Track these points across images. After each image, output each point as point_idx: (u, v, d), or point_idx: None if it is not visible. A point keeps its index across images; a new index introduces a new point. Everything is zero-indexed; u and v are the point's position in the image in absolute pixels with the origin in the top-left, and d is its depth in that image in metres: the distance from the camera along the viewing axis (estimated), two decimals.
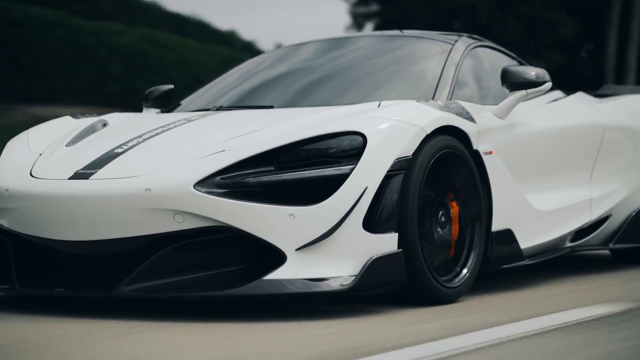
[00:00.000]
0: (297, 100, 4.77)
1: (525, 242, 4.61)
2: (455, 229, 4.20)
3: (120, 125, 4.52)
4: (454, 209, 4.20)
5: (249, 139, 3.86)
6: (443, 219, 4.13)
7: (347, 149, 3.76)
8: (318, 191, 3.66)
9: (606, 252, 5.76)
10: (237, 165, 3.69)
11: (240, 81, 5.22)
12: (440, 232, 4.12)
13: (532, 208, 4.70)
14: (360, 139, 3.77)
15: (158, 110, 5.25)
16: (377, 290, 3.83)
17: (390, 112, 3.97)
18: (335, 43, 5.40)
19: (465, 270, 4.17)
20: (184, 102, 5.24)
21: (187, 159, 3.78)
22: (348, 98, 4.64)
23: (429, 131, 3.95)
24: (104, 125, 4.57)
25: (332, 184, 3.67)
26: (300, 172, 3.68)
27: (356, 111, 4.05)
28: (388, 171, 3.77)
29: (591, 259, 6.04)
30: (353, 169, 3.69)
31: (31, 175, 3.95)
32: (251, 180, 3.65)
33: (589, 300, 4.35)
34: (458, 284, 4.11)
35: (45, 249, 3.83)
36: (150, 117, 4.72)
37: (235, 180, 3.65)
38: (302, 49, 5.36)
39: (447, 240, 4.16)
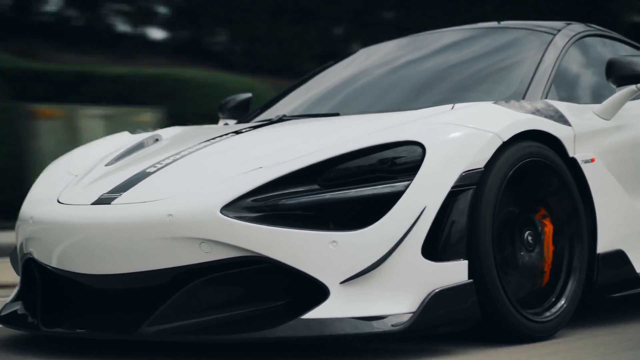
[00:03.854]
0: (367, 105, 4.22)
1: None
2: (548, 251, 3.54)
3: (169, 140, 4.09)
4: (546, 227, 3.54)
5: (290, 152, 3.33)
6: (530, 240, 3.48)
7: (403, 162, 3.17)
8: (366, 213, 3.09)
9: None
10: (273, 185, 3.15)
11: (314, 87, 4.71)
12: (527, 256, 3.47)
13: None
14: (419, 149, 3.18)
15: (231, 122, 4.82)
16: (442, 330, 3.22)
17: (460, 117, 3.36)
18: (420, 40, 4.81)
19: (562, 301, 3.51)
20: (259, 111, 4.79)
21: (218, 178, 3.28)
22: (426, 101, 4.05)
23: (506, 138, 3.31)
24: (156, 140, 4.15)
25: (383, 205, 3.09)
26: (344, 191, 3.11)
27: (422, 116, 3.45)
28: (453, 187, 3.16)
29: None
30: (408, 185, 3.10)
31: (58, 200, 3.56)
32: (288, 202, 3.11)
33: None
34: (552, 317, 3.45)
35: (70, 283, 3.42)
36: (200, 131, 4.26)
37: (269, 203, 3.11)
38: (383, 48, 4.81)
39: (537, 265, 3.50)
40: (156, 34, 19.18)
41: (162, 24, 19.15)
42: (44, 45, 15.53)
